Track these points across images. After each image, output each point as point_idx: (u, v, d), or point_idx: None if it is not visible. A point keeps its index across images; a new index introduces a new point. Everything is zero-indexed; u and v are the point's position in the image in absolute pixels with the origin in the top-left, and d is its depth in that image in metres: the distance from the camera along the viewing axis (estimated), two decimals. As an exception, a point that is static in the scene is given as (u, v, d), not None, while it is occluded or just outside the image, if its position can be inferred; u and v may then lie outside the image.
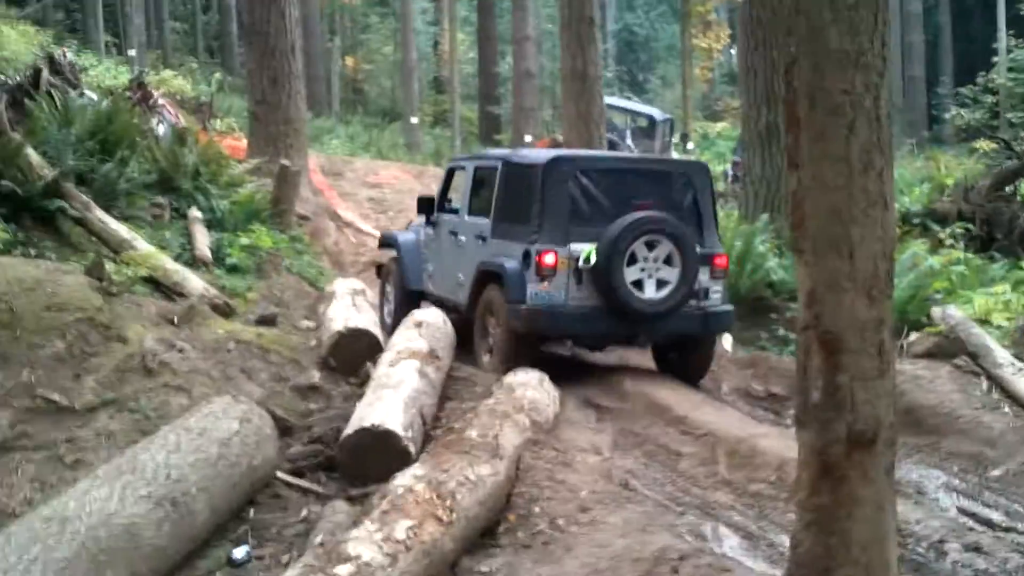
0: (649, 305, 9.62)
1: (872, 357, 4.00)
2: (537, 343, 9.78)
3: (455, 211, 11.54)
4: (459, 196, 11.51)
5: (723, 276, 10.22)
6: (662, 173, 10.39)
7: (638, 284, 9.60)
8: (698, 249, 9.77)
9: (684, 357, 10.59)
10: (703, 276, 9.92)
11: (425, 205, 12.04)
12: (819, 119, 3.96)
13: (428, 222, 12.00)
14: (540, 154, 10.28)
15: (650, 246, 9.59)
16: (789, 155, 4.13)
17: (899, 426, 4.68)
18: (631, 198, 9.83)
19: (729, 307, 10.41)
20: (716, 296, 10.12)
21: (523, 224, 9.91)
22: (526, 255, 9.68)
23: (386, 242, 13.14)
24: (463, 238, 11.05)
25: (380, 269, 13.33)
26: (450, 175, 12.15)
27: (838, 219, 3.95)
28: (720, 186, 27.84)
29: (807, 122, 3.98)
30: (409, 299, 11.95)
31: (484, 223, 10.59)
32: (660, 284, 9.68)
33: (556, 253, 9.57)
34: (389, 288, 12.80)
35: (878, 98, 3.94)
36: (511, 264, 9.80)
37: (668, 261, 9.66)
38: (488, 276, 10.18)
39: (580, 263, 9.56)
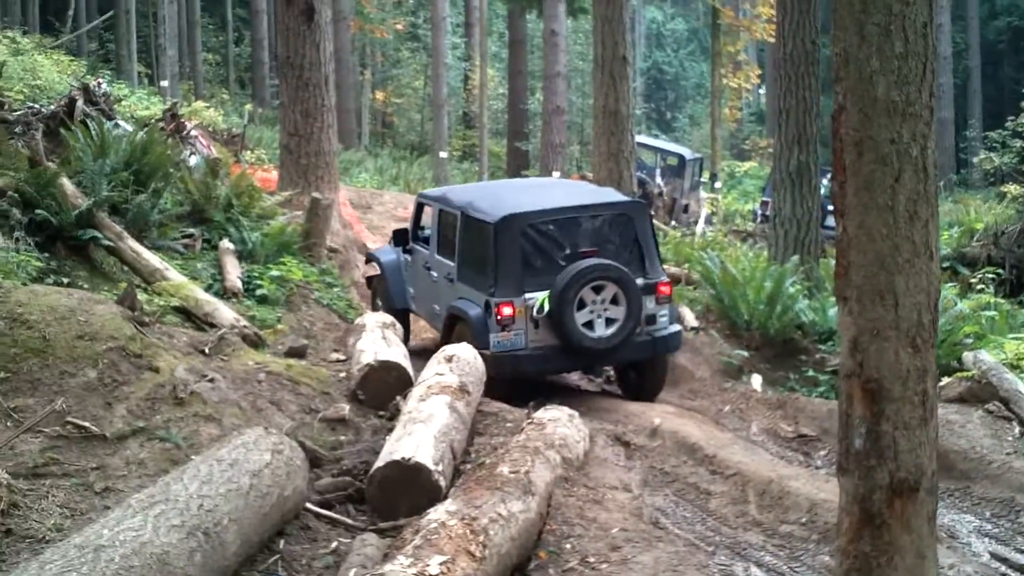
0: (599, 342, 10.56)
1: (915, 406, 3.99)
2: (503, 383, 10.19)
3: (427, 242, 12.38)
4: (429, 231, 12.34)
5: (668, 301, 11.11)
6: (604, 216, 11.08)
7: (589, 325, 10.53)
8: (642, 280, 10.78)
9: (640, 377, 11.58)
10: (649, 304, 10.87)
11: (400, 237, 13.03)
12: (866, 168, 3.96)
13: (405, 251, 13.01)
14: (493, 210, 10.91)
15: (596, 290, 10.52)
16: (835, 203, 4.13)
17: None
18: (577, 245, 10.77)
19: (677, 328, 11.35)
20: (663, 319, 11.05)
21: (482, 274, 10.79)
22: (487, 305, 10.57)
23: (371, 259, 14.29)
24: (435, 274, 11.98)
25: (370, 281, 14.26)
26: (419, 208, 13.02)
27: (883, 268, 3.95)
28: (749, 225, 27.95)
29: (854, 171, 3.98)
30: (395, 315, 12.27)
31: (451, 265, 11.49)
32: (609, 322, 10.60)
33: (513, 304, 10.49)
34: (379, 303, 13.75)
35: (925, 148, 3.94)
36: (475, 312, 10.72)
37: (615, 301, 10.58)
38: (456, 318, 11.07)
39: (535, 312, 10.51)
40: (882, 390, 3.99)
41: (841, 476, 4.24)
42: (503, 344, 10.47)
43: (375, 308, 13.58)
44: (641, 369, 11.54)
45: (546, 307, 10.47)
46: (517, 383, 10.56)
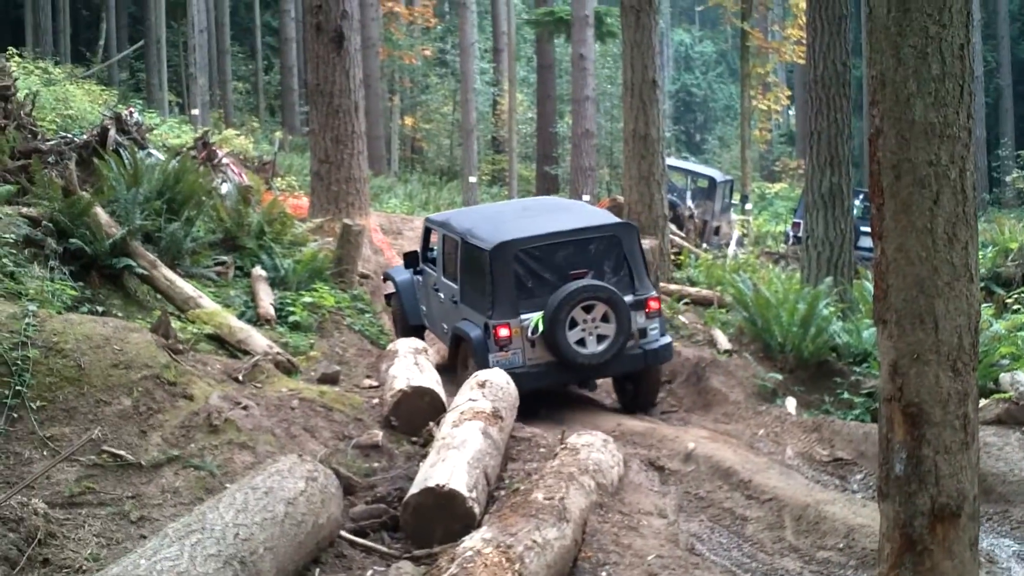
0: (591, 358, 11.10)
1: (956, 430, 3.95)
2: None
3: (435, 264, 12.96)
4: (437, 254, 12.93)
5: (658, 315, 11.69)
6: (593, 238, 11.62)
7: (581, 342, 11.10)
8: (632, 297, 11.36)
9: (635, 387, 12.10)
10: (640, 318, 11.45)
11: (411, 259, 13.59)
12: (904, 191, 3.93)
13: (415, 272, 13.57)
14: (489, 236, 11.46)
15: (587, 309, 11.07)
16: (873, 226, 4.10)
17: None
18: (568, 267, 11.31)
19: (667, 340, 11.85)
20: (654, 332, 11.61)
21: (481, 297, 11.37)
22: (486, 327, 11.14)
23: (386, 278, 14.90)
24: (442, 295, 12.52)
25: (388, 299, 14.76)
26: (427, 232, 13.56)
27: (922, 291, 3.92)
28: (781, 247, 27.83)
29: (891, 193, 3.95)
30: (410, 331, 13.44)
31: (455, 288, 12.03)
32: (600, 339, 11.14)
33: (509, 325, 11.07)
34: (396, 318, 14.49)
35: (964, 170, 3.91)
36: (475, 333, 11.29)
37: (605, 319, 11.13)
38: (460, 339, 11.67)
39: (530, 333, 11.07)
40: (923, 414, 3.95)
41: (881, 501, 4.20)
42: (502, 363, 10.88)
43: (394, 323, 14.44)
44: (636, 380, 12.03)
45: (540, 327, 11.05)
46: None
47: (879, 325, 4.11)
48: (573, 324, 11.04)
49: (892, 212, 3.97)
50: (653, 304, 11.61)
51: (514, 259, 11.22)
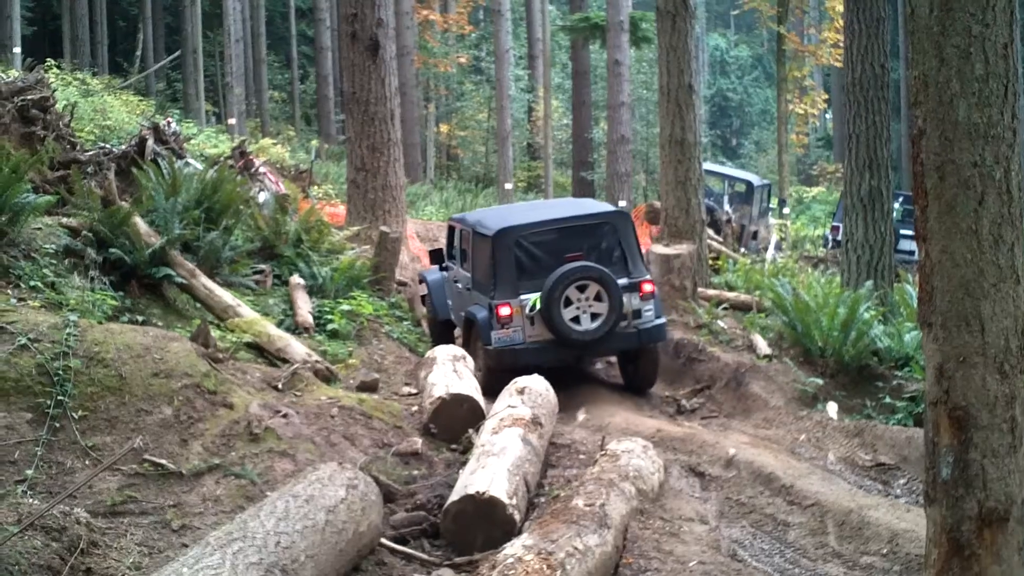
0: (586, 335, 11.83)
1: (1004, 433, 3.90)
2: (505, 374, 10.95)
3: (455, 259, 13.73)
4: (456, 248, 13.73)
5: (652, 297, 12.33)
6: (588, 225, 12.48)
7: (575, 320, 11.82)
8: (626, 280, 12.07)
9: (635, 367, 12.89)
10: (634, 300, 12.14)
11: (437, 256, 14.39)
12: (948, 192, 3.89)
13: (442, 268, 14.21)
14: (493, 224, 12.43)
15: (581, 289, 11.81)
16: (917, 228, 4.06)
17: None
18: (564, 251, 12.11)
19: (661, 320, 12.52)
20: (648, 314, 12.27)
21: (486, 280, 12.22)
22: (490, 307, 11.92)
23: (421, 279, 15.52)
24: (459, 285, 13.27)
25: (423, 300, 15.26)
26: (451, 230, 14.13)
27: (968, 293, 3.88)
28: (820, 251, 27.66)
29: (935, 195, 3.91)
30: (439, 327, 14.14)
31: (468, 276, 12.85)
32: (594, 317, 11.85)
33: (510, 305, 11.87)
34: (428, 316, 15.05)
35: (1008, 170, 3.87)
36: (482, 314, 12.11)
37: (598, 298, 11.84)
38: (470, 321, 12.44)
39: (528, 311, 11.85)
40: (969, 417, 3.91)
41: (928, 506, 4.15)
42: (503, 340, 11.86)
43: (428, 325, 14.87)
44: (635, 360, 12.82)
45: (537, 306, 11.81)
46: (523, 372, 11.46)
47: (924, 328, 4.06)
48: (568, 303, 11.78)
49: (936, 214, 3.92)
50: (646, 287, 12.28)
51: (515, 244, 12.07)
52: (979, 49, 3.89)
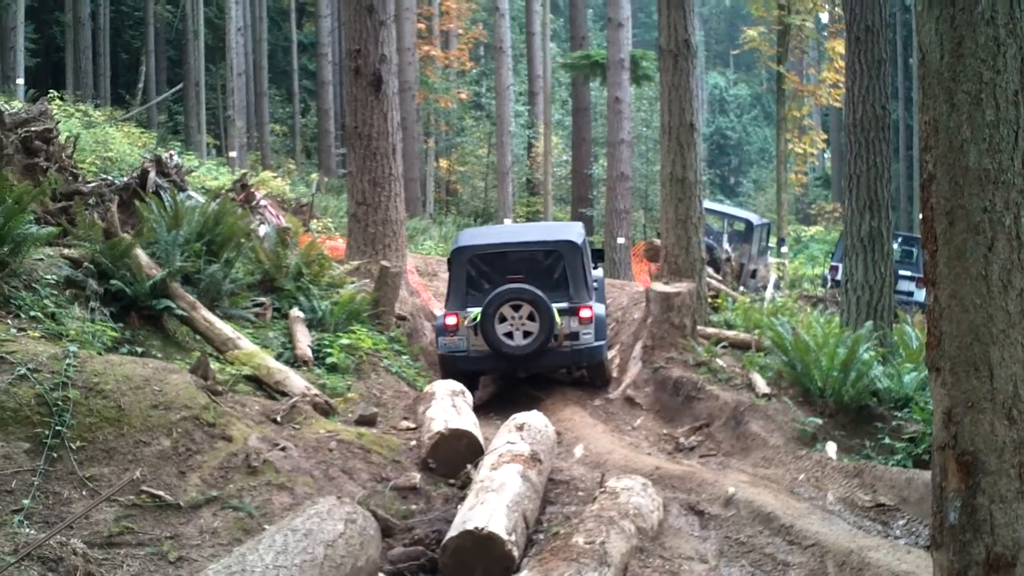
0: (517, 350, 13.21)
1: (1012, 479, 3.89)
2: (453, 374, 13.00)
3: None
4: None
5: (589, 322, 13.52)
6: (536, 251, 14.02)
7: (508, 335, 13.21)
8: (566, 304, 13.44)
9: (588, 373, 14.49)
10: (572, 323, 13.48)
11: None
12: (958, 237, 3.90)
13: None
14: (459, 241, 14.25)
15: (516, 308, 13.17)
16: (926, 272, 4.06)
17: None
18: (509, 272, 13.62)
19: (599, 343, 13.78)
20: (587, 337, 13.58)
21: (446, 293, 13.93)
22: (441, 316, 13.70)
23: None
24: None
25: None
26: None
27: (977, 339, 3.88)
28: (819, 291, 27.67)
29: (945, 240, 3.92)
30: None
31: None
32: (526, 335, 13.20)
33: (457, 315, 13.54)
34: None
35: (1019, 216, 3.88)
36: (439, 322, 13.89)
37: (531, 318, 13.16)
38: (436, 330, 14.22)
39: (467, 323, 13.36)
40: (977, 463, 3.90)
41: (935, 550, 4.13)
42: (449, 346, 13.59)
43: None
44: (589, 370, 14.36)
45: (477, 319, 13.13)
46: (471, 377, 13.58)
47: (932, 373, 4.06)
48: (503, 319, 13.17)
49: (946, 259, 3.93)
50: (584, 312, 13.49)
51: (468, 262, 13.74)
52: (990, 95, 3.90)
